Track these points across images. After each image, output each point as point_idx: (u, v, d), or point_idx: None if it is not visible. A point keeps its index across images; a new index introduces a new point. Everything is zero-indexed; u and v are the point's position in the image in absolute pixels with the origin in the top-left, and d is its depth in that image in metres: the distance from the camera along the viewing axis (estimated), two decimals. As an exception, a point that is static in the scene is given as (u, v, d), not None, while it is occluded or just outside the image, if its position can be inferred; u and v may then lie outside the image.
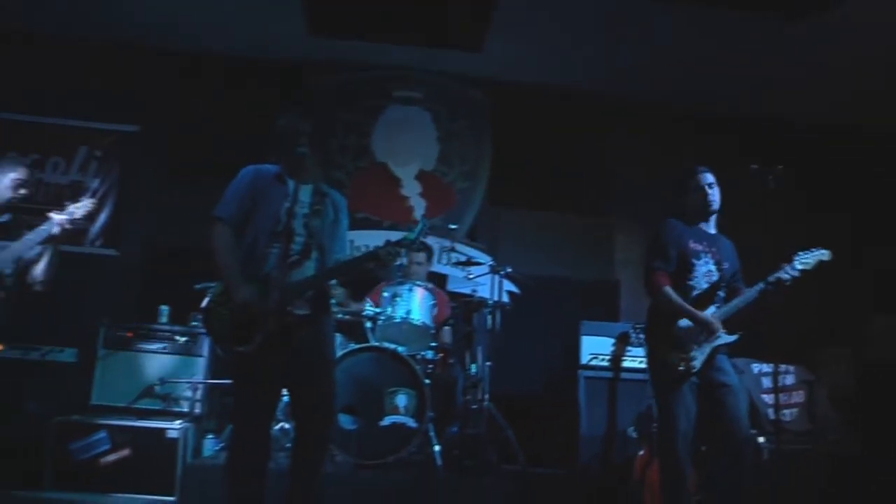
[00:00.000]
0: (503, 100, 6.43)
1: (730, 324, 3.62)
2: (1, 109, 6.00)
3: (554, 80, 6.37)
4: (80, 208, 4.11)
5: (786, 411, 5.04)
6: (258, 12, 5.66)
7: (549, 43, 5.88)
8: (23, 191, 4.13)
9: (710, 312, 3.62)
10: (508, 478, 4.47)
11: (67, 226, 4.04)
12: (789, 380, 5.13)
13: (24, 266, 4.02)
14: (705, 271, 3.71)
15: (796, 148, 5.86)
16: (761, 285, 3.60)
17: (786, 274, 3.58)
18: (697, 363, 3.55)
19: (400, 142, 6.37)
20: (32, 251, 4.01)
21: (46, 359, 4.86)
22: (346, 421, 4.41)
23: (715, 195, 3.79)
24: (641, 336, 4.70)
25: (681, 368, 3.53)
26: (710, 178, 3.80)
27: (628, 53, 5.87)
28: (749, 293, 3.63)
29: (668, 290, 3.63)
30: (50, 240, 3.99)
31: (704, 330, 3.57)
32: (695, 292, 3.68)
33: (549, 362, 5.73)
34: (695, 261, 3.70)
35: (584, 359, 5.10)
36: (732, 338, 3.60)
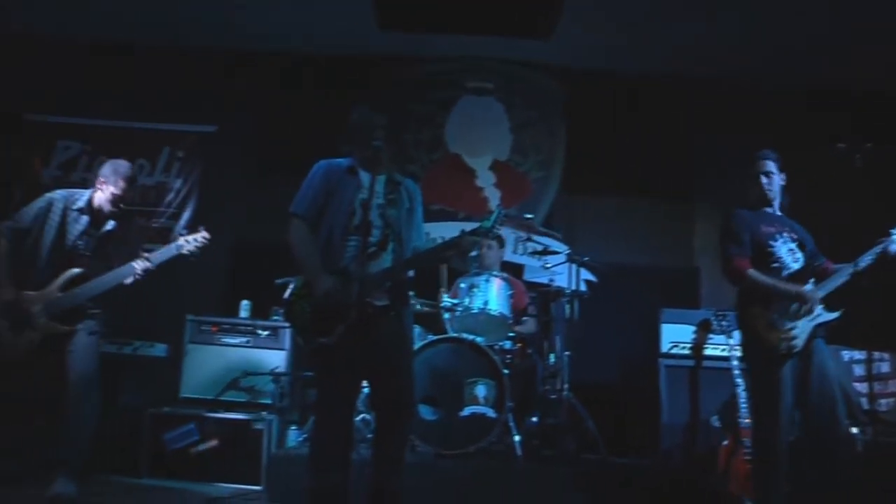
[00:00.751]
0: (577, 87, 6.37)
1: (826, 304, 3.50)
2: (93, 117, 6.31)
3: (628, 65, 6.28)
4: (190, 243, 4.19)
5: (882, 401, 4.86)
6: (329, 9, 5.77)
7: (621, 26, 5.79)
8: (122, 205, 4.24)
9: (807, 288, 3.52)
10: (588, 467, 4.46)
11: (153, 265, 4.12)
12: (885, 367, 4.95)
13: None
14: (787, 250, 3.62)
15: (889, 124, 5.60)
16: (869, 257, 3.46)
17: (893, 245, 3.44)
18: (800, 341, 3.44)
19: (473, 133, 6.40)
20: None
21: (139, 353, 5.08)
22: (426, 411, 4.46)
23: (772, 183, 3.72)
24: (724, 323, 4.61)
25: (782, 347, 3.43)
26: (768, 165, 3.73)
27: (706, 33, 5.73)
28: (844, 269, 3.50)
29: (753, 272, 3.55)
30: (145, 272, 4.10)
31: (802, 303, 3.47)
32: (785, 272, 3.58)
33: (629, 351, 5.68)
34: (771, 242, 3.62)
35: (665, 347, 5.03)
36: (833, 315, 3.48)
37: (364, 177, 3.41)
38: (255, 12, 5.89)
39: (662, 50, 6.05)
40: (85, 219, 4.14)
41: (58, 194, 4.19)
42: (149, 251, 4.11)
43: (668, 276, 6.03)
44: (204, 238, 4.19)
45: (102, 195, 4.18)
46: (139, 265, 4.03)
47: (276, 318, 5.21)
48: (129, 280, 4.05)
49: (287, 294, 3.37)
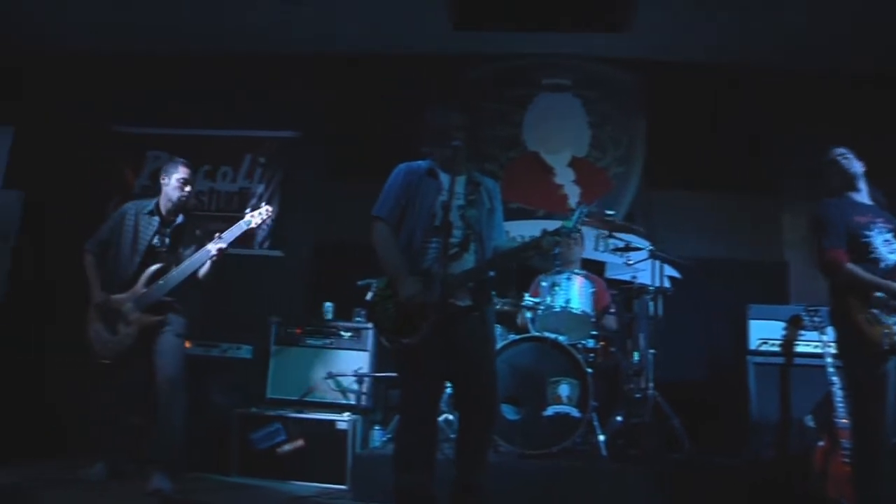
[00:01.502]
0: (656, 80, 6.26)
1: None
2: (177, 126, 6.55)
3: (710, 56, 6.13)
4: (256, 217, 4.44)
5: None
6: (404, 10, 5.84)
7: (701, 17, 5.66)
8: (188, 188, 4.52)
9: None
10: (675, 467, 4.39)
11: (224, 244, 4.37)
12: None
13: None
14: (883, 240, 3.49)
15: None
16: None
17: None
18: None
19: (551, 130, 6.36)
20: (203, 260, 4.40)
21: (226, 355, 5.24)
22: (509, 411, 4.47)
23: (851, 162, 3.62)
24: (816, 319, 4.47)
25: (885, 343, 3.31)
26: (840, 150, 3.66)
27: (792, 21, 5.55)
28: None
29: (851, 266, 3.43)
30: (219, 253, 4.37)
31: None
32: (882, 264, 3.46)
33: (715, 348, 5.55)
34: (867, 232, 3.49)
35: (753, 344, 4.91)
36: None
37: (444, 178, 3.44)
38: (328, 17, 5.99)
39: (745, 40, 5.89)
40: (156, 219, 4.45)
41: (129, 205, 4.56)
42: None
43: (756, 271, 5.84)
44: (268, 211, 4.50)
45: (167, 190, 4.50)
46: (213, 246, 4.32)
47: (358, 319, 5.30)
48: (206, 265, 4.33)
49: (370, 295, 3.43)
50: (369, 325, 5.15)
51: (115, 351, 4.27)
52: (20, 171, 6.04)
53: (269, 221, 4.50)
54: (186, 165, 4.55)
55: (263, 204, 4.58)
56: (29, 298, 5.72)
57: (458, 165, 3.44)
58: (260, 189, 6.50)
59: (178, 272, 4.31)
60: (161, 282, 4.30)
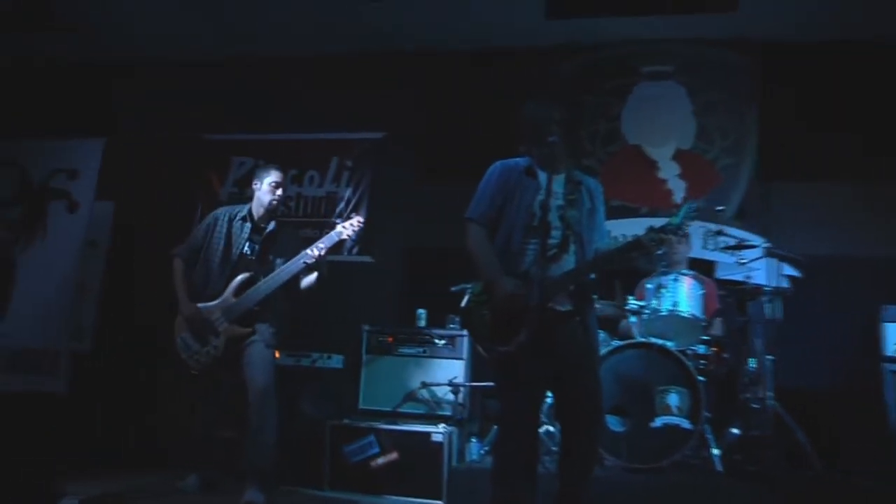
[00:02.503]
0: (767, 61, 6.04)
1: None
2: (262, 130, 6.76)
3: (827, 33, 5.89)
4: (347, 228, 4.53)
5: None
6: (493, 2, 5.85)
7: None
8: (280, 192, 4.65)
9: None
10: (801, 484, 4.24)
11: (325, 248, 4.48)
12: None
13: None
14: None
15: None
16: None
17: None
18: None
19: (653, 121, 6.22)
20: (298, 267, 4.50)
21: (317, 365, 5.36)
22: (614, 422, 4.41)
23: None
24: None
25: None
26: None
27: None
28: None
29: None
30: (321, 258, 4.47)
31: None
32: None
33: (843, 353, 5.31)
34: None
35: (890, 349, 4.72)
36: None
37: (542, 177, 3.44)
38: (414, 11, 6.05)
39: (870, 13, 5.62)
40: (248, 226, 4.60)
41: (221, 210, 4.71)
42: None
43: (889, 269, 5.50)
44: (359, 223, 4.59)
45: (259, 195, 4.64)
46: (310, 252, 4.43)
47: (452, 326, 5.34)
48: (312, 278, 4.47)
49: (464, 301, 3.45)
50: (464, 332, 5.18)
51: (204, 363, 4.40)
52: (110, 182, 6.32)
53: (358, 231, 4.58)
54: (278, 169, 4.69)
55: (353, 214, 4.67)
56: (125, 313, 6.05)
57: (557, 163, 3.43)
58: (347, 193, 6.61)
59: (270, 281, 4.41)
60: (251, 291, 4.41)
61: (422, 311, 5.55)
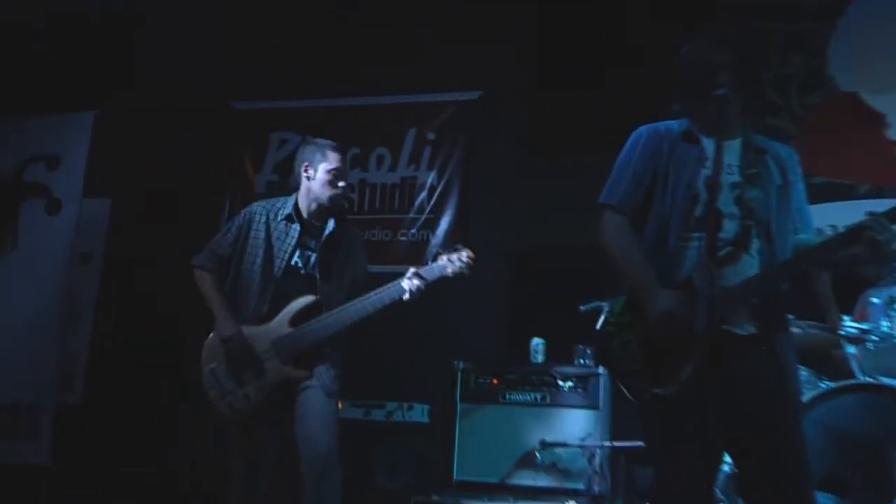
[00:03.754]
0: None
1: None
2: (312, 97, 6.92)
3: None
4: (454, 262, 4.53)
5: None
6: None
7: None
8: (341, 183, 4.60)
9: None
10: None
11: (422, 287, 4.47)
12: None
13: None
14: None
15: None
16: None
17: None
18: None
19: (879, 56, 6.09)
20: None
21: (394, 419, 5.44)
22: (827, 501, 4.33)
23: None
24: None
25: None
26: None
27: None
28: None
29: None
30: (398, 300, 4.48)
31: None
32: None
33: None
34: None
35: None
36: None
37: (707, 144, 3.39)
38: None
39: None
40: (296, 228, 4.58)
41: (257, 206, 4.72)
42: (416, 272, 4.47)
43: None
44: (469, 258, 4.55)
45: (312, 186, 4.62)
46: (409, 283, 4.41)
47: (583, 361, 5.35)
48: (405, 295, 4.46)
49: (599, 324, 3.42)
50: (600, 369, 5.18)
51: (239, 409, 4.44)
52: (104, 172, 6.50)
53: (466, 268, 4.59)
54: (337, 150, 4.66)
55: (460, 246, 4.62)
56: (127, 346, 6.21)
57: (729, 124, 3.37)
58: (430, 178, 6.72)
59: (345, 313, 4.42)
60: (315, 323, 4.42)
61: (538, 342, 5.57)
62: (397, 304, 4.44)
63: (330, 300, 4.48)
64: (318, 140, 4.75)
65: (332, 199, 4.59)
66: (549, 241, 6.10)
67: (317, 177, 4.61)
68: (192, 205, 6.62)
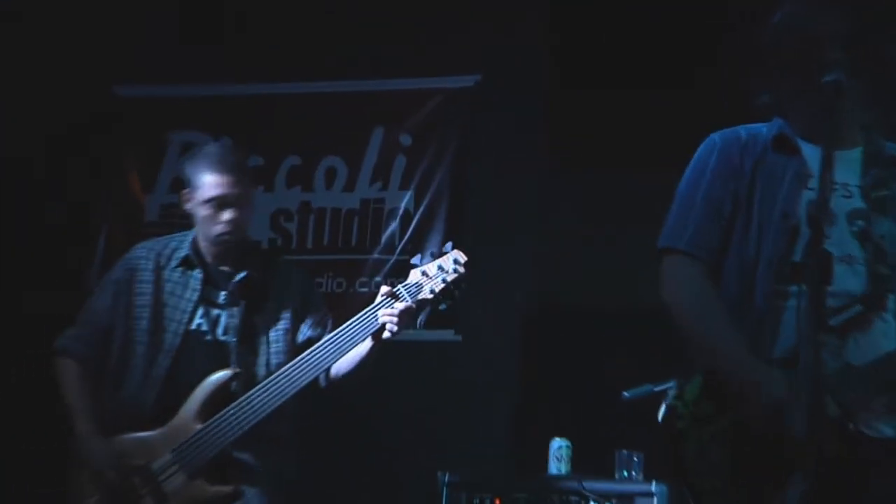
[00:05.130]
0: None
1: None
2: (224, 80, 6.97)
3: None
4: (429, 277, 4.49)
5: None
6: None
7: None
8: (227, 215, 4.38)
9: None
10: None
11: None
12: None
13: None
14: None
15: None
16: None
17: None
18: None
19: None
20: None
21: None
22: None
23: None
24: None
25: None
26: None
27: None
28: None
29: None
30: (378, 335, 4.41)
31: None
32: None
33: None
34: None
35: None
36: None
37: (809, 153, 3.38)
38: None
39: None
40: (197, 276, 4.58)
41: (142, 248, 4.71)
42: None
43: None
44: (458, 260, 4.58)
45: (199, 226, 4.61)
46: (383, 317, 4.36)
47: (627, 473, 5.34)
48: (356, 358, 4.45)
49: (662, 415, 3.39)
50: (652, 485, 5.15)
51: None
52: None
53: (454, 282, 4.54)
54: (219, 165, 4.55)
55: (450, 247, 4.61)
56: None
57: (841, 126, 3.36)
58: (404, 201, 6.73)
59: (275, 387, 4.38)
60: (232, 411, 4.36)
61: (561, 444, 5.54)
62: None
63: (254, 370, 4.49)
64: (205, 149, 4.71)
65: (216, 239, 4.57)
66: (577, 297, 6.08)
67: (196, 209, 4.61)
68: (48, 246, 6.57)
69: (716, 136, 3.51)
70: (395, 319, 4.36)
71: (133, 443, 4.43)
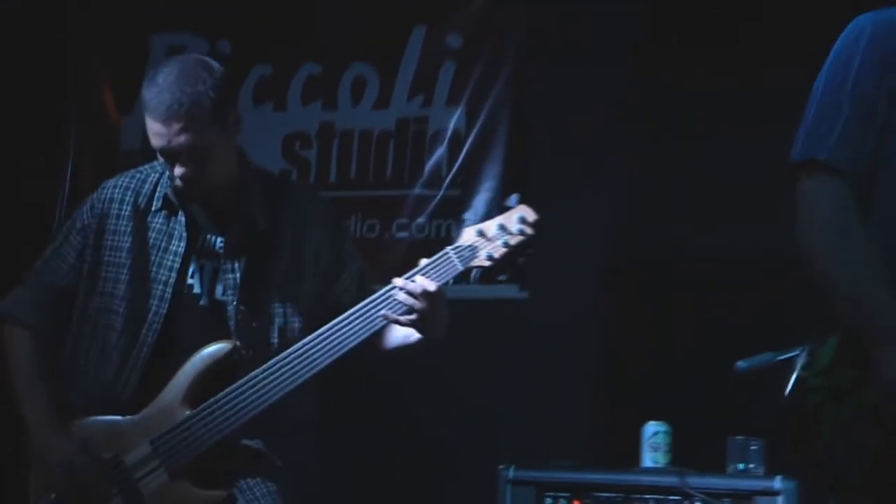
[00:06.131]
0: None
1: None
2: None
3: None
4: (488, 238, 4.45)
5: None
6: None
7: None
8: (179, 170, 4.30)
9: None
10: None
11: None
12: None
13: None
14: None
15: None
16: None
17: None
18: None
19: None
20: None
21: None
22: None
23: None
24: None
25: None
26: None
27: None
28: None
29: None
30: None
31: None
32: None
33: None
34: None
35: None
36: None
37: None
38: None
39: None
40: (181, 219, 4.51)
41: (111, 189, 4.63)
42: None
43: None
44: (528, 219, 4.40)
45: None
46: (402, 288, 4.27)
47: (744, 466, 5.39)
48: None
49: (788, 389, 3.41)
50: (776, 481, 5.18)
51: None
52: None
53: (517, 243, 4.43)
54: (169, 99, 4.23)
55: (515, 200, 4.59)
56: None
57: None
58: (453, 119, 6.77)
59: (286, 368, 4.34)
60: (231, 395, 4.34)
61: (656, 429, 5.61)
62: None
63: (264, 341, 4.48)
64: (154, 76, 4.37)
65: (175, 190, 4.49)
66: (675, 242, 6.05)
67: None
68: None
69: (864, 19, 3.48)
70: (405, 301, 4.26)
71: (101, 428, 4.43)
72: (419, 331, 4.36)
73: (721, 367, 4.94)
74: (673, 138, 6.07)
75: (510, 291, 6.54)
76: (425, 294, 4.23)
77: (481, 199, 6.61)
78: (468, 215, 6.41)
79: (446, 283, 4.31)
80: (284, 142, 6.75)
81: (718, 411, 5.49)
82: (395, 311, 4.28)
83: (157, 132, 4.29)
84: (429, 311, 4.26)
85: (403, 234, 6.73)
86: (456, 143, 6.74)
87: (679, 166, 5.61)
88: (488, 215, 6.20)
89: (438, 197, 6.72)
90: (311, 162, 6.87)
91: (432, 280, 4.27)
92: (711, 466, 5.47)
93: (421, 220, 6.71)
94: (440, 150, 6.74)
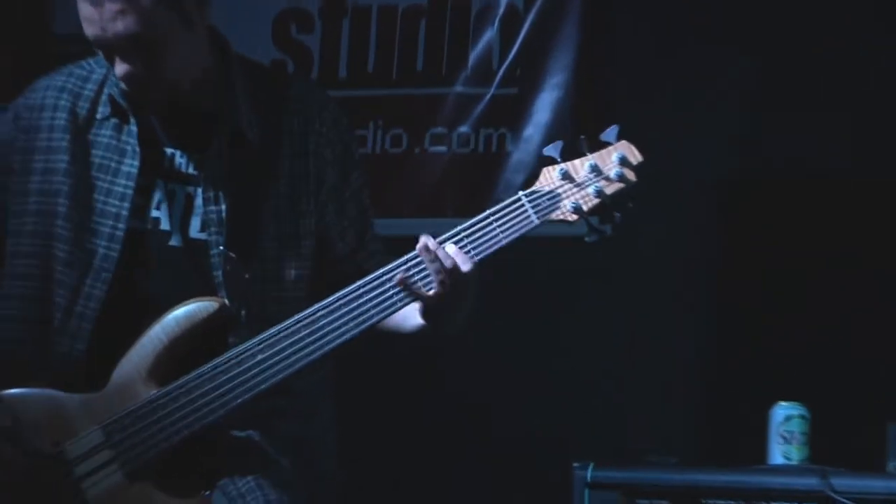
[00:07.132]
0: None
1: None
2: None
3: None
4: (584, 179, 4.30)
5: None
6: None
7: None
8: (122, 69, 4.29)
9: None
10: None
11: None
12: None
13: None
14: None
15: None
16: None
17: None
18: None
19: None
20: None
21: None
22: None
23: None
24: None
25: None
26: None
27: None
28: None
29: None
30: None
31: None
32: None
33: None
34: None
35: None
36: None
37: None
38: None
39: None
40: (132, 130, 4.34)
41: (40, 91, 4.46)
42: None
43: None
44: (631, 161, 4.17)
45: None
46: (452, 243, 4.14)
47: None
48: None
49: None
50: None
51: None
52: None
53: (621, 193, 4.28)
54: None
55: (614, 134, 4.46)
56: None
57: None
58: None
59: (292, 340, 4.24)
60: (215, 368, 4.37)
61: (790, 412, 5.51)
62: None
63: (259, 297, 4.34)
64: None
65: (122, 92, 4.31)
66: (803, 166, 6.16)
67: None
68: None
69: None
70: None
71: (35, 405, 4.28)
72: (424, 316, 4.14)
73: (872, 333, 5.18)
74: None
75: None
76: (454, 271, 3.98)
77: (545, 101, 6.51)
78: (529, 131, 6.25)
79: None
80: (275, 24, 6.67)
81: (873, 389, 5.44)
82: (420, 282, 4.02)
83: (87, 16, 4.12)
84: (450, 294, 4.00)
85: (440, 147, 6.63)
86: (512, 20, 6.61)
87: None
88: (556, 124, 6.17)
89: (488, 97, 6.61)
90: (312, 50, 6.80)
91: (501, 235, 3.99)
92: (864, 463, 5.47)
93: (464, 128, 6.62)
94: (490, 32, 6.61)
